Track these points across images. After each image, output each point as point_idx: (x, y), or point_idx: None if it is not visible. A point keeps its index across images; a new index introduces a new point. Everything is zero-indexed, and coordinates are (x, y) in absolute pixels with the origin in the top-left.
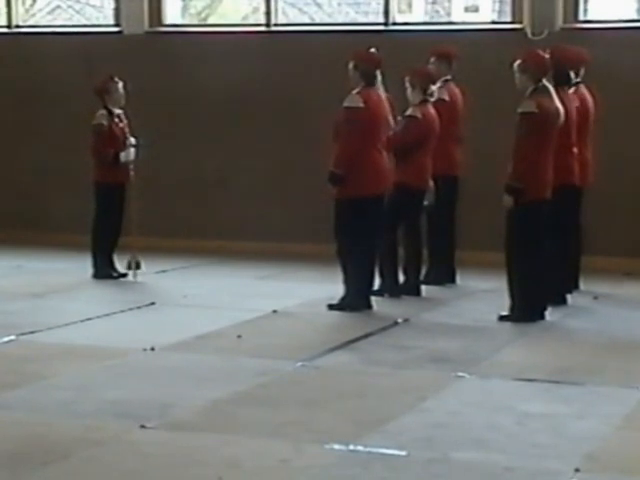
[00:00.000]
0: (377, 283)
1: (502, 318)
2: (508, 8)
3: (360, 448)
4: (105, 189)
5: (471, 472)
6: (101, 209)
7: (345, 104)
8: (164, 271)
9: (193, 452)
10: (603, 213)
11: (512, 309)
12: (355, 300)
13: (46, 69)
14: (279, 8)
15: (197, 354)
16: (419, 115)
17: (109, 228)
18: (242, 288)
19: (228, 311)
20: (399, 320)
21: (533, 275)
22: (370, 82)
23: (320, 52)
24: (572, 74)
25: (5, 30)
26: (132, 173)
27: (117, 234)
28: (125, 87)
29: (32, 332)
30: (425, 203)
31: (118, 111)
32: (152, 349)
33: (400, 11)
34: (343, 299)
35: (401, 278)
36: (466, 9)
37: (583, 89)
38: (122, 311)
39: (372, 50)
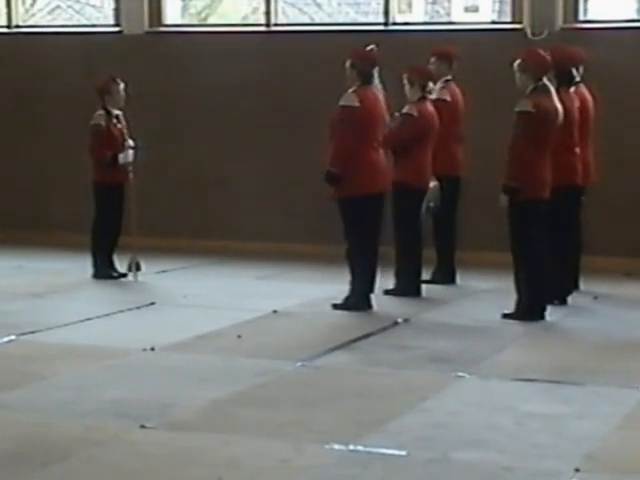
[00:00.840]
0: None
1: (505, 316)
2: (508, 8)
3: (360, 448)
4: (104, 189)
5: (471, 472)
6: (100, 209)
7: (341, 103)
8: (164, 271)
9: (193, 452)
10: (603, 213)
11: (517, 306)
12: (359, 300)
13: (46, 69)
14: (279, 8)
15: (197, 354)
16: (415, 113)
17: (109, 228)
18: (242, 288)
19: (228, 311)
20: (399, 320)
21: (531, 275)
22: (367, 80)
23: (320, 52)
24: (574, 73)
25: (5, 30)
26: (131, 174)
27: (117, 234)
28: (126, 88)
29: (32, 332)
30: (431, 204)
31: (117, 112)
32: (152, 349)
33: (400, 11)
34: (347, 299)
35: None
36: (466, 9)
37: (583, 89)
38: (122, 311)
39: (371, 47)
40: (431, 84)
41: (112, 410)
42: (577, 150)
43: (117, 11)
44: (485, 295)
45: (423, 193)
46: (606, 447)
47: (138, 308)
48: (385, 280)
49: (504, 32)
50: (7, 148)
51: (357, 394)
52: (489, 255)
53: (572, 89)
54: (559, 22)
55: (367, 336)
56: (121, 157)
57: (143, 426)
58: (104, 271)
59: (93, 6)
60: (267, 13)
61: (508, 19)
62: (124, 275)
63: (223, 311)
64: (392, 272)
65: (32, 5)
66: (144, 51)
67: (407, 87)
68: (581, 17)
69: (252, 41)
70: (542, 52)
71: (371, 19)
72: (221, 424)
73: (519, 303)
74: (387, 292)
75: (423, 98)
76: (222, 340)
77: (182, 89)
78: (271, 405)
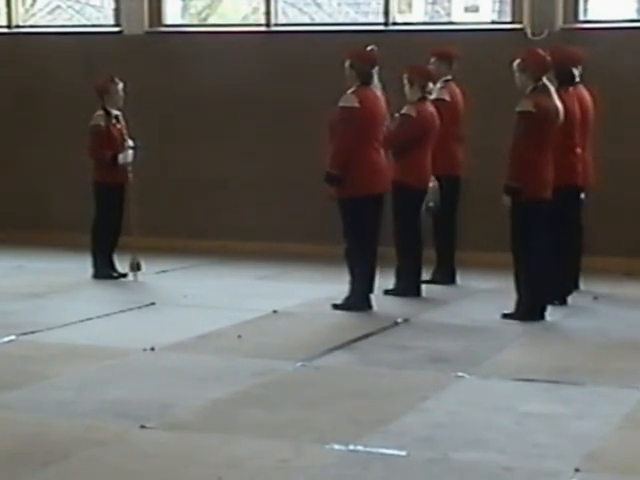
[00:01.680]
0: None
1: (505, 316)
2: (508, 8)
3: (360, 448)
4: (104, 189)
5: (471, 472)
6: (100, 209)
7: (340, 104)
8: (164, 271)
9: (193, 452)
10: (603, 213)
11: (517, 306)
12: (359, 300)
13: (46, 69)
14: (279, 8)
15: (197, 354)
16: (413, 113)
17: (109, 228)
18: (242, 288)
19: (228, 311)
20: (399, 320)
21: (532, 275)
22: (366, 81)
23: (320, 52)
24: (575, 73)
25: (5, 30)
26: (130, 174)
27: (117, 234)
28: (125, 88)
29: (32, 332)
30: (430, 205)
31: (116, 112)
32: (152, 349)
33: (400, 11)
34: (347, 299)
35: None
36: (466, 9)
37: (582, 89)
38: (122, 311)
39: (371, 47)
40: (431, 84)
41: (112, 410)
42: (578, 150)
43: (117, 11)
44: (485, 295)
45: (423, 193)
46: (606, 447)
47: (138, 308)
48: (385, 280)
49: (504, 32)
50: (7, 148)
51: (357, 394)
52: (489, 255)
53: (571, 89)
54: (559, 22)
55: (367, 336)
56: (121, 157)
57: (143, 426)
58: (104, 271)
59: (93, 6)
60: (267, 13)
61: (508, 19)
62: (124, 275)
63: (223, 311)
64: (392, 272)
65: (32, 5)
66: (144, 51)
67: (407, 87)
68: (581, 17)
69: (252, 41)
70: (541, 52)
71: (371, 19)
72: (221, 424)
73: (519, 303)
74: (387, 292)
75: (423, 98)
76: (222, 340)
77: (182, 89)
78: (271, 405)
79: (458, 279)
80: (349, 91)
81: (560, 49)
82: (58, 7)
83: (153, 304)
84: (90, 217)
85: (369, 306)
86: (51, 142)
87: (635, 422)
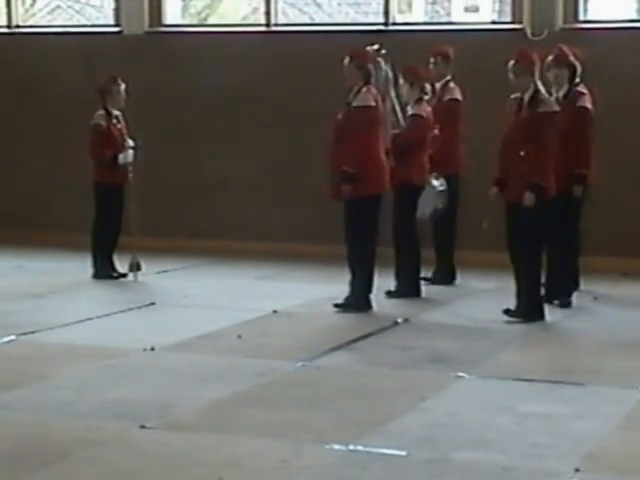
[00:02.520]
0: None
1: (507, 311)
2: (508, 8)
3: (360, 448)
4: (104, 189)
5: (471, 472)
6: (100, 209)
7: (356, 103)
8: (164, 271)
9: (193, 452)
10: (603, 213)
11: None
12: (359, 301)
13: (46, 69)
14: (279, 8)
15: (197, 354)
16: (423, 113)
17: (109, 228)
18: (242, 288)
19: (228, 311)
20: (399, 320)
21: (534, 274)
22: (369, 80)
23: (320, 52)
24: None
25: (5, 30)
26: (131, 174)
27: (117, 234)
28: (127, 89)
29: (32, 332)
30: (439, 207)
31: (117, 112)
32: (152, 349)
33: (400, 11)
34: (348, 299)
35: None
36: (466, 9)
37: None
38: (122, 311)
39: (377, 46)
40: (428, 85)
41: (112, 410)
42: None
43: (117, 11)
44: (485, 295)
45: (423, 190)
46: (606, 447)
47: (138, 308)
48: (384, 281)
49: (504, 32)
50: (7, 148)
51: (357, 394)
52: (488, 255)
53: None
54: (559, 22)
55: (367, 336)
56: (121, 157)
57: (143, 426)
58: (104, 271)
59: (93, 6)
60: (267, 13)
61: (508, 19)
62: (124, 275)
63: (223, 311)
64: (391, 272)
65: (32, 5)
66: (144, 51)
67: (406, 88)
68: (581, 17)
69: (252, 41)
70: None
71: (371, 19)
72: (221, 424)
73: (520, 302)
74: (389, 294)
75: (420, 99)
76: (222, 340)
77: (182, 89)
78: (271, 405)
79: (458, 279)
80: (363, 90)
81: (573, 48)
82: (58, 7)
83: (153, 304)
84: (90, 217)
85: (369, 306)
86: (51, 142)
87: (635, 422)
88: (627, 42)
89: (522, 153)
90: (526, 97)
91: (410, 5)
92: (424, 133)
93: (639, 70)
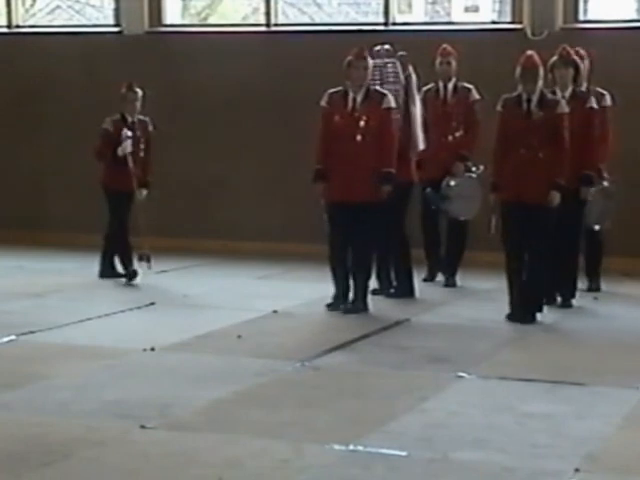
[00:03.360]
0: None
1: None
2: (508, 8)
3: (360, 448)
4: (111, 193)
5: (471, 472)
6: (110, 213)
7: (388, 105)
8: (164, 271)
9: (193, 452)
10: None
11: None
12: (364, 303)
13: (46, 69)
14: (279, 8)
15: (197, 354)
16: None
17: (118, 231)
18: (242, 288)
19: (228, 311)
20: (399, 320)
21: (543, 274)
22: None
23: (320, 52)
24: None
25: (5, 30)
26: (135, 180)
27: (125, 236)
28: (143, 95)
29: (32, 332)
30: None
31: (139, 117)
32: (152, 349)
33: (400, 11)
34: (354, 302)
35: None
36: (466, 9)
37: None
38: (122, 311)
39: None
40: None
41: (112, 410)
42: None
43: (117, 11)
44: (485, 295)
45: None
46: (606, 447)
47: (138, 308)
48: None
49: (504, 32)
50: (7, 148)
51: (357, 394)
52: (488, 255)
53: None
54: (559, 22)
55: (367, 336)
56: (119, 150)
57: (143, 426)
58: (109, 271)
59: (93, 6)
60: (267, 13)
61: (508, 19)
62: (125, 275)
63: (223, 311)
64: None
65: (32, 5)
66: (144, 51)
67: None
68: (581, 17)
69: (252, 41)
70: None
71: (371, 19)
72: (221, 424)
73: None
74: (391, 295)
75: None
76: (222, 340)
77: (182, 89)
78: (271, 405)
79: (458, 280)
80: (388, 93)
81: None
82: (58, 7)
83: (153, 304)
84: (90, 217)
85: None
86: (51, 142)
87: (635, 422)
88: (627, 42)
89: (541, 154)
90: (534, 99)
91: (410, 5)
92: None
93: (639, 70)
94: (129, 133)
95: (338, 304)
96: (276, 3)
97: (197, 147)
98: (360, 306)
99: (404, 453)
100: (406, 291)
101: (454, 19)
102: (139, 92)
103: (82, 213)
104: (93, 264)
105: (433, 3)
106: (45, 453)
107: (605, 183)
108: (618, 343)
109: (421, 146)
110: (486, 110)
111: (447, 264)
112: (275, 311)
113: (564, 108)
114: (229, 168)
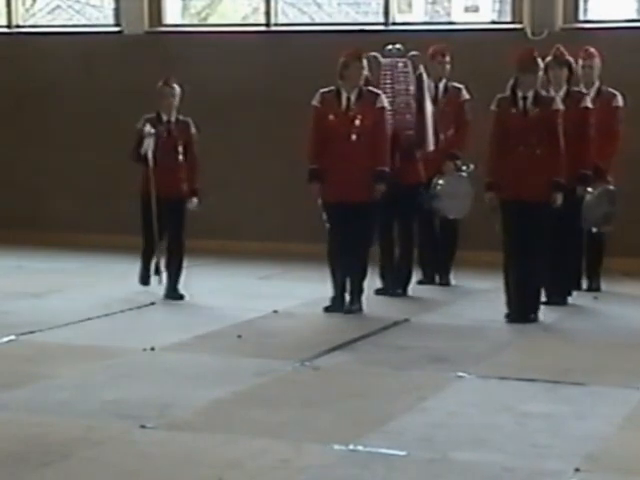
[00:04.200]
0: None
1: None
2: (508, 8)
3: (360, 448)
4: (141, 198)
5: (471, 472)
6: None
7: (382, 104)
8: (164, 271)
9: (193, 452)
10: None
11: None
12: (360, 303)
13: (46, 69)
14: (279, 8)
15: (197, 354)
16: None
17: (146, 236)
18: (242, 288)
19: (228, 311)
20: (399, 320)
21: (542, 272)
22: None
23: (320, 52)
24: None
25: (5, 30)
26: (154, 184)
27: (153, 242)
28: (182, 92)
29: (32, 332)
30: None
31: (178, 118)
32: (152, 349)
33: (400, 11)
34: (351, 303)
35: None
36: (466, 9)
37: None
38: (122, 311)
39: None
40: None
41: (112, 410)
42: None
43: (117, 11)
44: (484, 295)
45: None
46: (606, 447)
47: (138, 308)
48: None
49: (504, 32)
50: (7, 148)
51: (357, 394)
52: (487, 255)
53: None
54: (559, 22)
55: (367, 336)
56: (142, 149)
57: (143, 426)
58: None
59: (93, 6)
60: (267, 13)
61: (508, 19)
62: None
63: (223, 311)
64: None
65: (32, 5)
66: (144, 51)
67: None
68: (581, 17)
69: (252, 41)
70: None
71: (371, 19)
72: (221, 424)
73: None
74: (378, 292)
75: None
76: (222, 340)
77: (182, 89)
78: (271, 405)
79: (453, 279)
80: (380, 92)
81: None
82: (58, 7)
83: (153, 304)
84: (90, 217)
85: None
86: (51, 142)
87: (635, 422)
88: (627, 42)
89: (538, 151)
90: (529, 96)
91: (410, 5)
92: None
93: (639, 70)
94: (152, 130)
95: (336, 306)
96: (276, 3)
97: (197, 147)
98: (356, 307)
99: (404, 453)
100: (401, 292)
101: (454, 19)
102: (176, 88)
103: (82, 213)
104: (93, 264)
105: (433, 3)
106: (45, 453)
107: (610, 187)
108: (618, 343)
109: (431, 147)
110: (481, 110)
111: (440, 263)
112: (275, 311)
113: (559, 105)
114: (229, 168)
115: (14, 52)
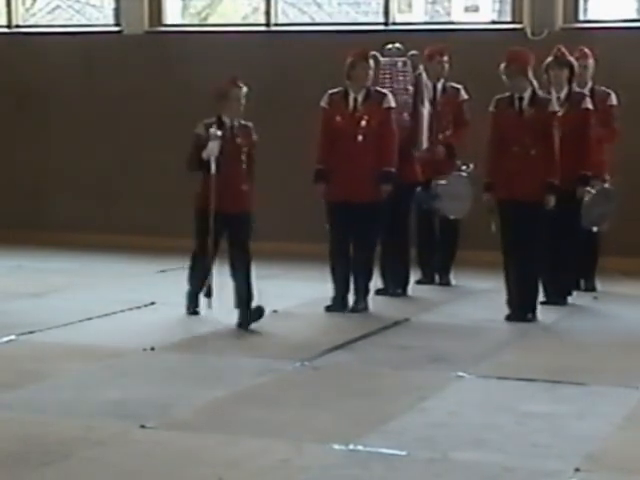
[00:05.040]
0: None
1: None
2: (508, 8)
3: (360, 448)
4: (197, 214)
5: (471, 472)
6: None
7: (388, 105)
8: (164, 271)
9: (193, 452)
10: None
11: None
12: (366, 303)
13: (46, 69)
14: (279, 8)
15: (197, 354)
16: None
17: (199, 254)
18: None
19: (228, 311)
20: (399, 320)
21: (540, 273)
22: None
23: (320, 52)
24: None
25: (5, 30)
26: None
27: (207, 260)
28: (247, 94)
29: (32, 332)
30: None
31: (240, 122)
32: (152, 349)
33: (400, 11)
34: (356, 303)
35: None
36: (466, 9)
37: None
38: (122, 311)
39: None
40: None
41: (112, 410)
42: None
43: (117, 11)
44: (484, 295)
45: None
46: (606, 447)
47: (138, 308)
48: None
49: (504, 32)
50: (7, 147)
51: (357, 394)
52: (487, 255)
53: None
54: (559, 22)
55: (367, 336)
56: (204, 153)
57: (143, 426)
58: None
59: (93, 6)
60: (267, 13)
61: (508, 19)
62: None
63: (223, 311)
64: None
65: (32, 5)
66: (144, 51)
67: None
68: (581, 17)
69: (252, 41)
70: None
71: (371, 19)
72: (221, 424)
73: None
74: (378, 292)
75: None
76: (222, 340)
77: (182, 89)
78: (271, 405)
79: (453, 279)
80: (388, 92)
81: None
82: (58, 7)
83: (153, 304)
84: (90, 217)
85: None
86: (51, 142)
87: (635, 422)
88: (627, 42)
89: (533, 152)
90: (525, 97)
91: (410, 5)
92: None
93: (639, 70)
94: (218, 132)
95: (337, 306)
96: (276, 3)
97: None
98: (362, 306)
99: (404, 453)
100: (401, 291)
101: (454, 19)
102: (244, 89)
103: (82, 213)
104: (93, 264)
105: (433, 3)
106: (45, 453)
107: (606, 185)
108: (618, 343)
109: (424, 145)
110: (480, 110)
111: (440, 263)
112: (275, 311)
113: (555, 107)
114: None
115: (14, 52)
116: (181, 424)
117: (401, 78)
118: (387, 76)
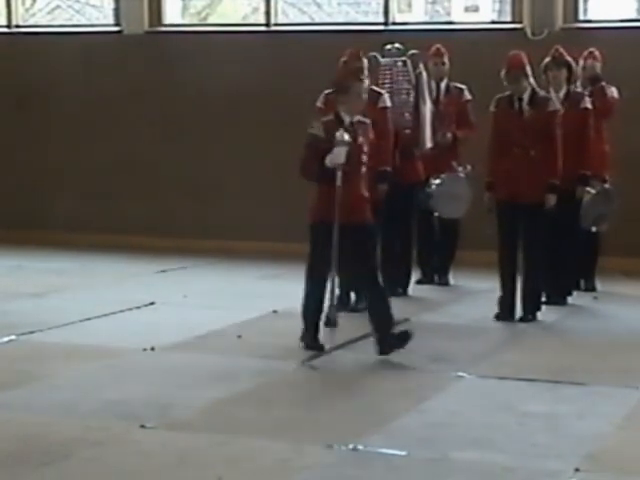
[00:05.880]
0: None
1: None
2: (508, 8)
3: (360, 448)
4: (314, 229)
5: (471, 472)
6: (310, 254)
7: (384, 104)
8: (164, 271)
9: (193, 452)
10: None
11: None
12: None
13: (46, 69)
14: (279, 8)
15: (197, 354)
16: None
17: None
18: (242, 288)
19: (228, 311)
20: (399, 320)
21: (541, 272)
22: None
23: (320, 52)
24: None
25: (5, 30)
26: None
27: (325, 284)
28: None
29: (32, 332)
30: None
31: (358, 118)
32: (152, 349)
33: (400, 11)
34: (362, 302)
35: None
36: (466, 9)
37: None
38: (122, 311)
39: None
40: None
41: (112, 410)
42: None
43: (117, 11)
44: (484, 295)
45: None
46: (606, 447)
47: (138, 308)
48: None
49: (504, 32)
50: (7, 148)
51: (357, 394)
52: (487, 255)
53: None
54: (559, 22)
55: (367, 336)
56: (328, 159)
57: (143, 426)
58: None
59: (93, 6)
60: (267, 13)
61: (508, 19)
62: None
63: (223, 311)
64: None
65: (32, 5)
66: (144, 51)
67: None
68: (581, 17)
69: (252, 41)
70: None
71: (371, 19)
72: (221, 424)
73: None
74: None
75: None
76: (222, 340)
77: (182, 89)
78: (271, 405)
79: (452, 279)
80: (383, 92)
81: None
82: (58, 7)
83: (153, 304)
84: (90, 217)
85: None
86: (51, 142)
87: (635, 422)
88: (627, 42)
89: (533, 152)
90: (525, 97)
91: (410, 5)
92: None
93: (639, 70)
94: (346, 136)
95: (339, 306)
96: (276, 3)
97: (197, 147)
98: (362, 305)
99: (404, 453)
100: (402, 291)
101: (454, 19)
102: (366, 82)
103: (82, 213)
104: (93, 264)
105: (433, 3)
106: (45, 453)
107: (606, 185)
108: (618, 343)
109: (428, 144)
110: (480, 109)
111: (439, 263)
112: (275, 311)
113: (555, 106)
114: (229, 168)
115: (14, 52)
116: (181, 424)
117: (401, 78)
118: (387, 76)
